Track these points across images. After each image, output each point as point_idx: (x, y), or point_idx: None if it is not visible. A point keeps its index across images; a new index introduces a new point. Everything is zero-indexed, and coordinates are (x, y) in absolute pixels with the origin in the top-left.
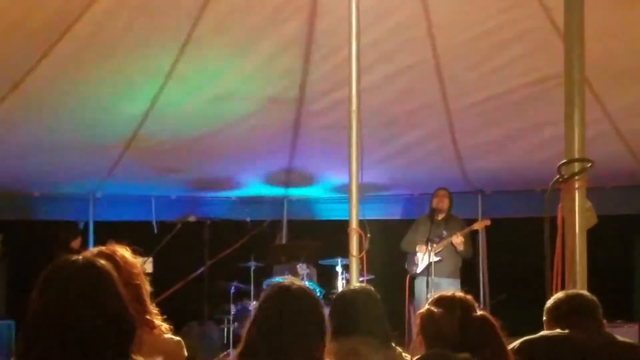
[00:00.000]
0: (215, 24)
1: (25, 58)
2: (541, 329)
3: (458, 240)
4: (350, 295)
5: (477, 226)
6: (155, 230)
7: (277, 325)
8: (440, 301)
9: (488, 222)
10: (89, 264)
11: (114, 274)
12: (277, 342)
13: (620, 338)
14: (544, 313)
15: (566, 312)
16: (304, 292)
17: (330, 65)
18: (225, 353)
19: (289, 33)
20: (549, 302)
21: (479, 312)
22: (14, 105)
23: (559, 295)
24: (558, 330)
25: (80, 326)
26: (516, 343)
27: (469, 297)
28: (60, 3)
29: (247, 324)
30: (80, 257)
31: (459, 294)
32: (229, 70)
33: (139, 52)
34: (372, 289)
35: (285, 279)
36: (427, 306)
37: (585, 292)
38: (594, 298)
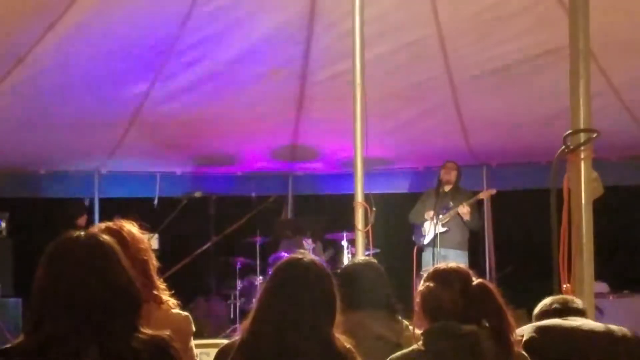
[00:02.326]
0: None
1: (29, 31)
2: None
3: (464, 210)
4: (354, 269)
5: (482, 195)
6: (156, 207)
7: (286, 299)
8: (436, 276)
9: (493, 192)
10: (92, 239)
11: (118, 248)
12: (285, 315)
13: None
14: (533, 319)
15: (555, 311)
16: (314, 266)
17: (334, 37)
18: (231, 328)
19: (292, 3)
20: (536, 309)
21: (477, 281)
22: (18, 80)
23: (545, 300)
24: (569, 319)
25: (87, 301)
26: (526, 328)
27: (463, 267)
28: None
29: (257, 296)
30: (83, 232)
31: (452, 264)
32: (232, 41)
33: (142, 24)
34: (376, 262)
35: (297, 253)
36: (424, 282)
37: (570, 296)
38: (580, 301)
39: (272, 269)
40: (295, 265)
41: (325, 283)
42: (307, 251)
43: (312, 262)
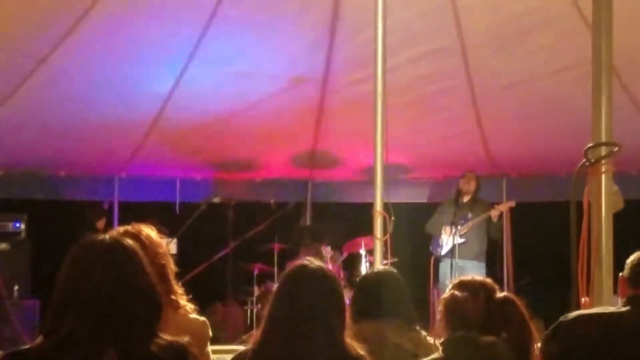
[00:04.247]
0: (239, 1)
1: (51, 33)
2: (566, 312)
3: (495, 213)
4: (374, 278)
5: (501, 207)
6: (177, 212)
7: (296, 306)
8: (462, 285)
9: (512, 204)
10: (116, 243)
11: (140, 252)
12: (296, 322)
13: None
14: (626, 267)
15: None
16: (321, 272)
17: (356, 45)
18: (248, 334)
19: (314, 11)
20: (633, 256)
21: (502, 294)
22: (40, 81)
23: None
24: (612, 309)
25: (108, 303)
26: (573, 314)
27: (489, 280)
28: None
29: (268, 305)
30: (107, 236)
31: (479, 277)
32: (254, 48)
33: (163, 29)
34: (395, 271)
35: (304, 260)
36: (449, 291)
37: None
38: None
39: (281, 276)
40: (304, 271)
41: (334, 288)
42: (325, 258)
43: (320, 268)
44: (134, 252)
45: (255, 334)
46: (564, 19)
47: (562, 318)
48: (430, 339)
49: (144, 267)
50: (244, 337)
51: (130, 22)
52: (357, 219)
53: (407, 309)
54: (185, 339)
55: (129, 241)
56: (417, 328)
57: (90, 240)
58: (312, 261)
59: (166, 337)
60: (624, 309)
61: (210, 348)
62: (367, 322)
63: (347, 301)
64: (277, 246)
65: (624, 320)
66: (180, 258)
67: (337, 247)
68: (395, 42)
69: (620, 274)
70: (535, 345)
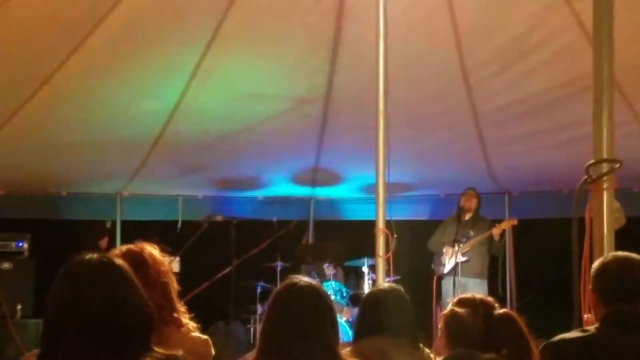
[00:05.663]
0: (241, 23)
1: (54, 54)
2: (568, 329)
3: (497, 231)
4: (379, 296)
5: (504, 225)
6: (178, 230)
7: (288, 321)
8: (462, 302)
9: (515, 222)
10: (103, 261)
11: (129, 268)
12: (294, 338)
13: None
14: (591, 279)
15: (612, 293)
16: (310, 288)
17: (358, 65)
18: (250, 353)
19: (316, 32)
20: (596, 265)
21: (501, 310)
22: (42, 102)
23: (609, 260)
24: (591, 329)
25: (98, 322)
26: (556, 339)
27: (489, 298)
28: None
29: (261, 324)
30: (95, 254)
31: (478, 295)
32: (255, 69)
33: (166, 49)
34: (402, 289)
35: (293, 277)
36: (450, 307)
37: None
38: None
39: (271, 295)
40: (293, 288)
41: (325, 303)
42: (328, 276)
43: (310, 284)
44: (122, 268)
45: (251, 354)
46: (566, 34)
47: (545, 343)
48: (433, 357)
49: (134, 283)
50: (247, 356)
51: (132, 41)
52: (360, 237)
53: (411, 327)
54: (180, 352)
55: (117, 259)
56: (421, 346)
57: (78, 259)
58: (300, 278)
59: (161, 350)
60: (600, 328)
61: None
62: (370, 339)
63: (345, 318)
64: (279, 264)
65: (600, 342)
66: (183, 276)
67: (339, 265)
68: (396, 62)
69: (589, 286)
70: None
